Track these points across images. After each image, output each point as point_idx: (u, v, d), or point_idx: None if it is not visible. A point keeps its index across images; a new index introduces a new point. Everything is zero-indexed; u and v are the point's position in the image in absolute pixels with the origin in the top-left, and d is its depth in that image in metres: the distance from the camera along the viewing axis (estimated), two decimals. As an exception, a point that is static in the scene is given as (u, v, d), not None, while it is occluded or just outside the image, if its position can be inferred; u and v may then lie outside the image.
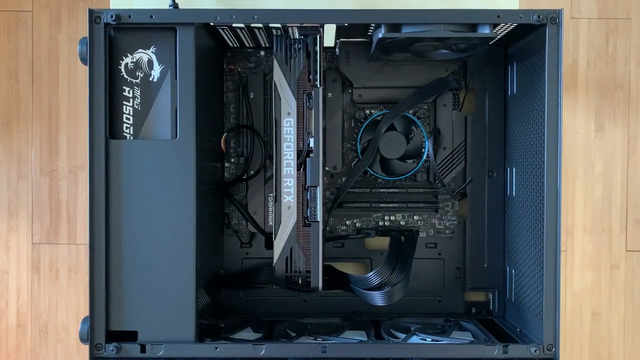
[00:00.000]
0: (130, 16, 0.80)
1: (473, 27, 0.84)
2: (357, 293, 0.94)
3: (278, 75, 0.88)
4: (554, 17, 0.81)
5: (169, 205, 0.81)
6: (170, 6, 0.91)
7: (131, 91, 0.82)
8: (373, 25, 0.87)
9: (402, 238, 1.00)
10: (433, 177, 1.03)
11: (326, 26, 0.88)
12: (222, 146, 1.02)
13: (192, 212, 0.82)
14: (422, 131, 1.01)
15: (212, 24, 0.84)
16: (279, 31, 0.90)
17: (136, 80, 0.82)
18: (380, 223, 1.04)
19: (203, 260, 0.87)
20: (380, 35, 0.84)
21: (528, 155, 0.90)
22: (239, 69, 1.03)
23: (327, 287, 0.92)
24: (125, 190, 0.81)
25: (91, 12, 0.80)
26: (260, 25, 0.87)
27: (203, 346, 0.82)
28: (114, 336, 0.82)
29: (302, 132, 0.88)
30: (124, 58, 0.82)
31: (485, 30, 0.83)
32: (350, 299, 1.00)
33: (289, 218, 0.88)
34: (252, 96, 1.03)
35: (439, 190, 1.03)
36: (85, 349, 0.82)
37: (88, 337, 0.81)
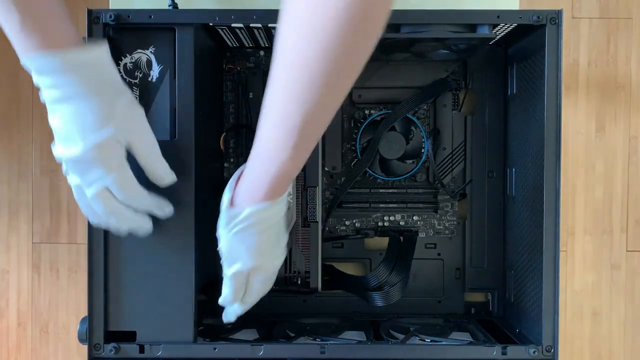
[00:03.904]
0: (129, 16, 0.80)
1: (472, 27, 0.84)
2: (356, 293, 0.93)
3: (277, 76, 0.87)
4: (553, 18, 0.81)
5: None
6: (169, 6, 0.90)
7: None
8: (372, 25, 0.87)
9: (401, 238, 1.00)
10: (433, 178, 1.03)
11: (325, 26, 0.88)
12: (222, 146, 1.02)
13: (192, 212, 0.82)
14: (421, 131, 1.01)
15: (211, 24, 0.84)
16: (278, 31, 0.89)
17: (135, 81, 0.82)
18: (380, 223, 1.04)
19: (203, 260, 0.87)
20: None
21: (528, 156, 0.90)
22: (239, 69, 1.03)
23: (326, 288, 0.91)
24: (124, 191, 0.81)
25: (90, 12, 0.80)
26: (260, 25, 0.87)
27: (202, 346, 0.82)
28: (112, 336, 0.82)
29: (301, 132, 0.87)
30: (122, 58, 0.81)
31: (484, 31, 0.83)
32: (349, 299, 1.00)
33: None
34: (251, 96, 1.03)
35: (439, 190, 1.03)
36: (85, 348, 0.82)
37: (86, 337, 0.81)
